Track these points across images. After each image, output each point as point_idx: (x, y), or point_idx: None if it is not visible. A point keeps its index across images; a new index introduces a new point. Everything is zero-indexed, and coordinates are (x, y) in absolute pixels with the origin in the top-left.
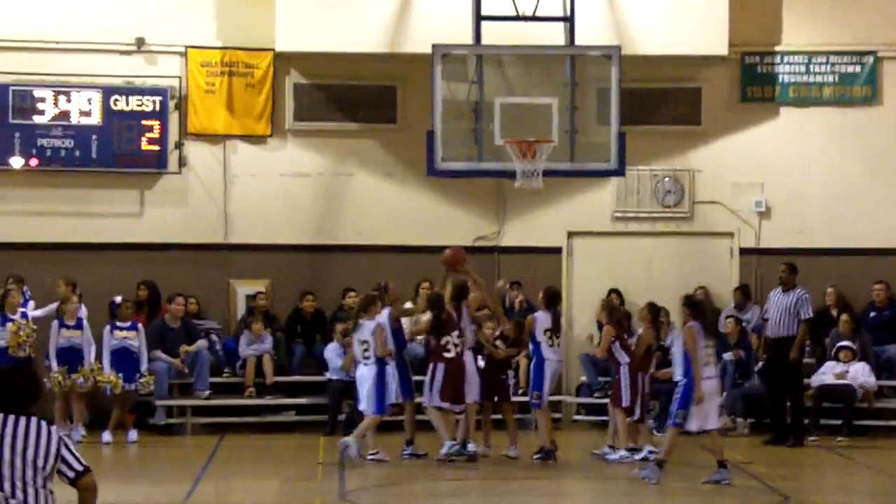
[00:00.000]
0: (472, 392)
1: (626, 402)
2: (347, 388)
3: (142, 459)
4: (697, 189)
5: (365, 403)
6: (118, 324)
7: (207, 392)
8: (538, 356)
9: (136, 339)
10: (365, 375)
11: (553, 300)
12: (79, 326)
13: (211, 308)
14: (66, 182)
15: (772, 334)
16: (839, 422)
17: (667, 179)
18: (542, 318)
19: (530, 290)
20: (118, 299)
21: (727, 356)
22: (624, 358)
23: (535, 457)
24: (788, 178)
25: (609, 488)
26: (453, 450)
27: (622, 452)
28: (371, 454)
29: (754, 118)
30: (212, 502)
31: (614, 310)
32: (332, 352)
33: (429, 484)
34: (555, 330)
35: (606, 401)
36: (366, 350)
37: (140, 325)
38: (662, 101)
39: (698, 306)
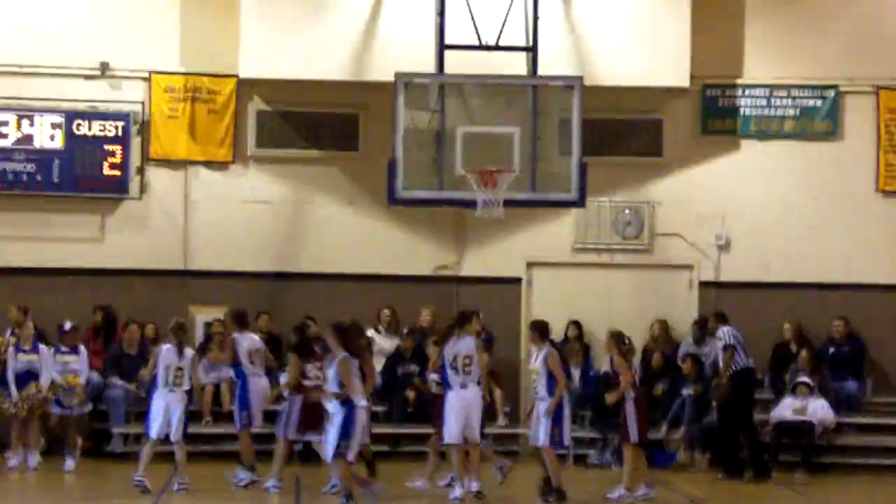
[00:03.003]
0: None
1: (635, 438)
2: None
3: (95, 487)
4: (657, 221)
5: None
6: (61, 348)
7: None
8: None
9: (78, 364)
10: None
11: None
12: (35, 350)
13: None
14: (28, 206)
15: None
16: (798, 458)
17: (627, 211)
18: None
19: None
20: (67, 325)
21: (686, 391)
22: (630, 393)
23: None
24: (749, 212)
25: None
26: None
27: (643, 490)
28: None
29: (715, 151)
30: None
31: (622, 341)
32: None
33: None
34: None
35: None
36: None
37: (83, 349)
38: (624, 132)
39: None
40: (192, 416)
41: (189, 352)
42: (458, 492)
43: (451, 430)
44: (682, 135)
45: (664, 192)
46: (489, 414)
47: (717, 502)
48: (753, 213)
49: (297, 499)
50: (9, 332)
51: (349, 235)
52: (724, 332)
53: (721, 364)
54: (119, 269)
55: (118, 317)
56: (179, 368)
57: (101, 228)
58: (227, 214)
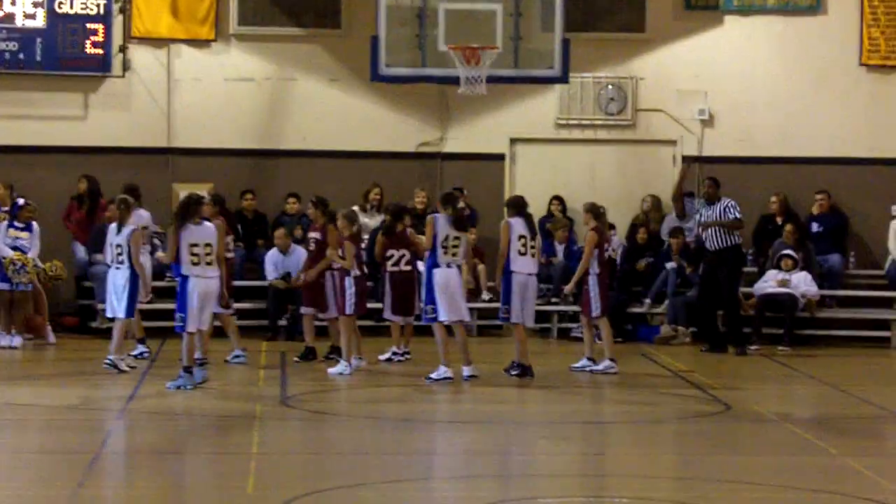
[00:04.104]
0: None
1: (595, 313)
2: (289, 293)
3: (81, 363)
4: (640, 97)
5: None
6: (15, 224)
7: (150, 297)
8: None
9: (28, 241)
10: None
11: (521, 205)
12: (28, 229)
13: (153, 212)
14: (9, 84)
15: (710, 247)
16: (781, 331)
17: (610, 87)
18: (515, 224)
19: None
20: (20, 201)
21: (669, 265)
22: (595, 268)
23: (512, 372)
24: (732, 87)
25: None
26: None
27: (606, 363)
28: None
29: (699, 26)
30: (152, 407)
31: (600, 214)
32: (271, 258)
33: (371, 390)
34: (531, 236)
35: None
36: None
37: (35, 226)
38: (607, 8)
39: None
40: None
41: (127, 229)
42: (467, 371)
43: (442, 309)
44: (665, 10)
45: (647, 67)
46: (476, 290)
47: (701, 375)
48: (737, 88)
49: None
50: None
51: (332, 113)
52: (735, 206)
53: (722, 224)
54: (102, 147)
55: (101, 189)
56: (118, 245)
57: (83, 106)
58: (209, 92)
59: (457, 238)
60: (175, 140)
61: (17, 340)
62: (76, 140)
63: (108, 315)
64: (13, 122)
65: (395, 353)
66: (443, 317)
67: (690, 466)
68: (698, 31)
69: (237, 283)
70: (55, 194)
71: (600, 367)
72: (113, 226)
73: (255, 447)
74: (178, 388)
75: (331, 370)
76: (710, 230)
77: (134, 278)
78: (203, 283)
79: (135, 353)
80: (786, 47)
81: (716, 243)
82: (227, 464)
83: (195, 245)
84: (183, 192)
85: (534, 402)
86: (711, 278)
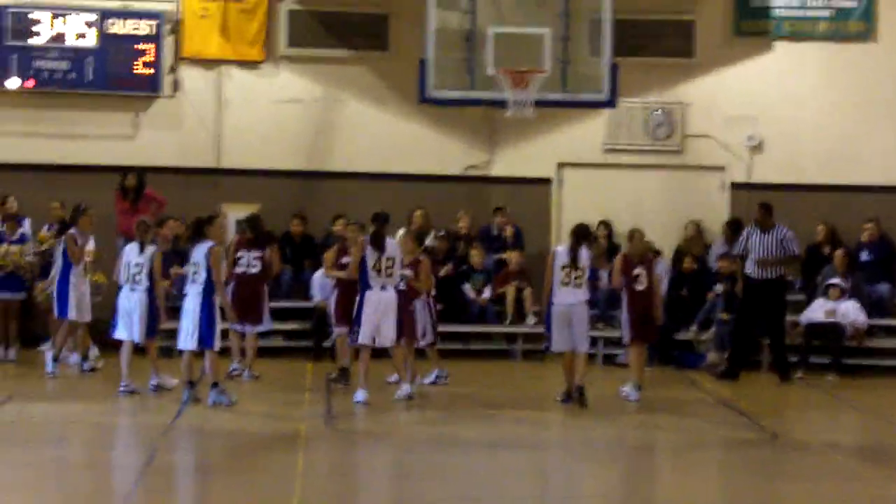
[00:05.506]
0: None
1: (624, 339)
2: None
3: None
4: (689, 122)
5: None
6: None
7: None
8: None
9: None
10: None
11: (580, 235)
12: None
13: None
14: (61, 104)
15: (755, 276)
16: (828, 361)
17: (658, 112)
18: (560, 254)
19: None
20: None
21: (718, 288)
22: (623, 295)
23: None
24: (781, 113)
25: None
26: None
27: (627, 388)
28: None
29: (748, 52)
30: (198, 427)
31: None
32: (317, 279)
33: (418, 412)
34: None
35: None
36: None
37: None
38: (656, 33)
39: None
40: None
41: (150, 249)
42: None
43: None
44: (714, 36)
45: (696, 93)
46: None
47: (747, 403)
48: (786, 114)
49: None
50: (47, 228)
51: (379, 135)
52: (793, 239)
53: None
54: (151, 167)
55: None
56: (138, 265)
57: (133, 126)
58: (258, 113)
59: (389, 259)
60: (223, 160)
61: (12, 353)
62: (126, 159)
63: (123, 338)
64: (64, 141)
65: (438, 377)
66: (360, 339)
67: (735, 494)
68: (747, 57)
69: (284, 303)
70: (104, 214)
71: (624, 389)
72: (133, 245)
73: (299, 467)
74: (215, 403)
75: (399, 392)
76: (758, 258)
77: (151, 301)
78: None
79: (83, 364)
80: (835, 74)
81: (762, 273)
82: (271, 484)
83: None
84: (231, 212)
85: (577, 428)
86: (751, 307)
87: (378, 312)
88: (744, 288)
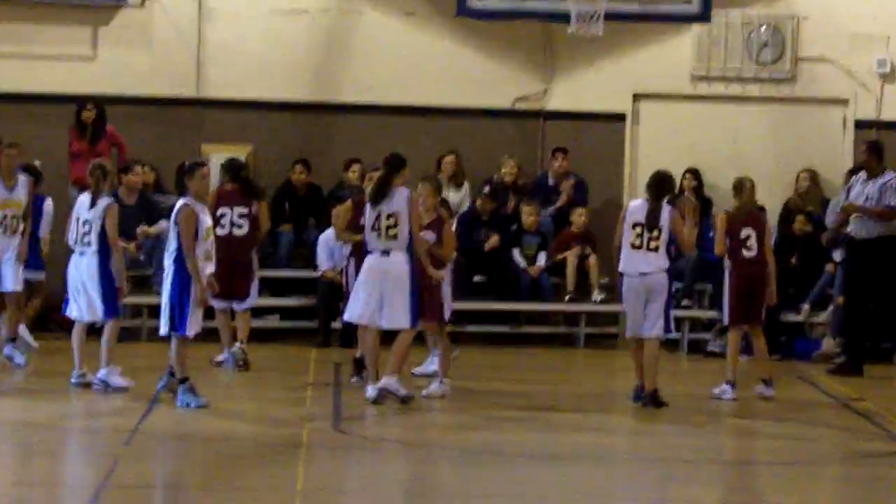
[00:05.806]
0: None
1: (724, 321)
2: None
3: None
4: (802, 42)
5: None
6: None
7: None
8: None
9: None
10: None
11: (662, 188)
12: None
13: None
14: (4, 16)
15: (855, 235)
16: None
17: (763, 28)
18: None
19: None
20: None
21: (836, 255)
22: (726, 262)
23: (635, 399)
24: None
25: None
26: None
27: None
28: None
29: None
30: (171, 432)
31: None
32: (325, 242)
33: (450, 415)
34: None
35: None
36: None
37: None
38: None
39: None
40: None
41: (104, 202)
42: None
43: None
44: None
45: (812, 4)
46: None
47: (873, 403)
48: None
49: None
50: None
51: (407, 57)
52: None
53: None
54: (114, 97)
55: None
56: (87, 222)
57: (91, 44)
58: (250, 29)
59: (391, 217)
60: (205, 89)
61: None
62: (82, 86)
63: (74, 317)
64: (7, 62)
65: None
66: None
67: None
68: None
69: (284, 272)
70: (56, 154)
71: (716, 390)
72: (85, 196)
73: (300, 483)
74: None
75: (426, 391)
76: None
77: (105, 264)
78: None
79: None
80: None
81: (864, 230)
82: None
83: None
84: (215, 154)
85: (655, 435)
86: (859, 276)
87: (377, 285)
88: (847, 252)
